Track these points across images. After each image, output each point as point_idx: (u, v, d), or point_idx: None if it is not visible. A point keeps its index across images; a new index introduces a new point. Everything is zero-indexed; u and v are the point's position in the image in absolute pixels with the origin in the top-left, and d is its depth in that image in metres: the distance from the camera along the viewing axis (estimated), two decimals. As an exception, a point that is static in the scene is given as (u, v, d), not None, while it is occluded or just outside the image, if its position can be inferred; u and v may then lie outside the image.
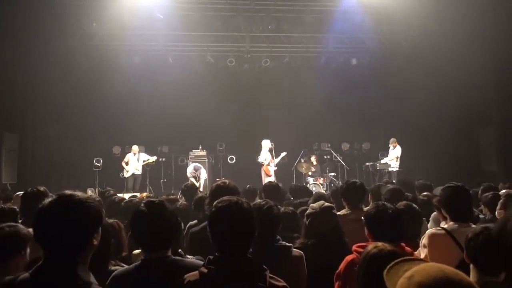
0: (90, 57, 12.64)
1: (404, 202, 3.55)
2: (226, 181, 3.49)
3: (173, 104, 13.65)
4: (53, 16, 11.57)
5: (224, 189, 3.29)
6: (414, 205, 3.47)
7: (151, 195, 6.27)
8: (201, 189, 11.21)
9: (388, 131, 13.77)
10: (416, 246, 3.17)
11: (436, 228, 3.21)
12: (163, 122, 13.72)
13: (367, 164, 13.56)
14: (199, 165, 12.02)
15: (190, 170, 11.81)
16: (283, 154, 12.20)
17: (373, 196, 4.82)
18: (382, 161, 13.11)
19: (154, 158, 12.48)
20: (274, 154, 12.17)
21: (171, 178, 13.91)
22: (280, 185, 9.78)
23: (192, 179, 11.50)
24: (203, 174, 11.85)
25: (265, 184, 5.70)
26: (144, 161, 12.34)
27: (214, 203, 2.18)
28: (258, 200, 3.04)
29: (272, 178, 11.94)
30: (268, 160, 12.20)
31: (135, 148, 12.47)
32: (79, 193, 1.87)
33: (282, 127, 13.64)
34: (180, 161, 13.72)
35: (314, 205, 3.28)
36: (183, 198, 5.66)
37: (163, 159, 13.82)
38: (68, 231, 1.75)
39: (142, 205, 2.31)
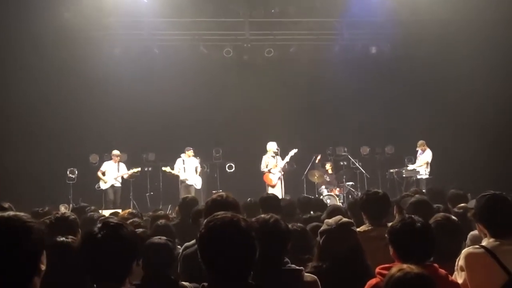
0: (61, 49, 12.58)
1: (442, 214, 3.56)
2: (223, 194, 3.51)
3: (160, 104, 13.72)
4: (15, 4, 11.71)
5: (222, 203, 3.31)
6: (453, 217, 3.49)
7: (134, 211, 6.07)
8: (198, 186, 12.15)
9: (416, 132, 13.86)
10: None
11: (473, 246, 3.18)
12: (148, 125, 13.86)
13: (391, 171, 13.65)
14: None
15: (180, 164, 12.25)
16: (292, 152, 12.07)
17: (399, 209, 4.85)
18: (409, 168, 13.27)
19: (136, 170, 12.68)
20: (279, 158, 12.21)
21: (159, 191, 13.98)
22: (288, 197, 10.10)
23: (184, 174, 12.02)
24: (198, 181, 12.39)
25: (261, 196, 5.76)
26: (123, 175, 12.55)
27: (205, 222, 2.20)
28: (262, 215, 3.04)
29: (278, 189, 11.95)
30: (270, 166, 12.22)
31: (115, 153, 12.56)
32: (21, 214, 1.89)
33: (289, 129, 13.83)
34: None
35: (330, 220, 3.30)
36: (178, 214, 5.75)
37: (149, 169, 13.87)
38: (8, 258, 1.79)
39: (97, 226, 2.32)
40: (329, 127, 14.81)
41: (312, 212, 5.58)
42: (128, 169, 12.77)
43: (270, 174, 12.24)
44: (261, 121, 14.32)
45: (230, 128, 14.41)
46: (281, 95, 14.27)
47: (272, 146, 12.24)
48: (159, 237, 3.46)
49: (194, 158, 12.83)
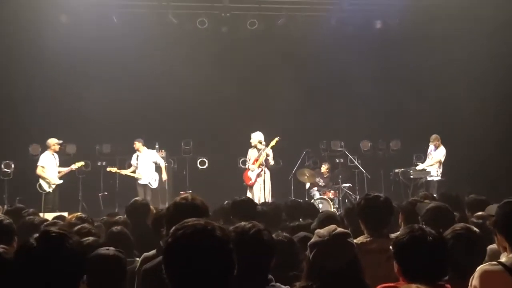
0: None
1: (461, 224, 3.58)
2: (188, 196, 3.47)
3: (118, 85, 13.70)
4: None
5: (187, 208, 3.29)
6: (474, 228, 3.51)
7: (84, 215, 6.04)
8: (153, 185, 12.48)
9: (426, 125, 13.89)
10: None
11: (490, 263, 3.18)
12: (103, 110, 13.69)
13: (396, 171, 13.66)
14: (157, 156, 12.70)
15: (134, 160, 12.57)
16: (273, 141, 12.23)
17: (405, 217, 4.86)
18: (418, 167, 13.33)
19: (79, 165, 12.67)
20: (264, 151, 12.25)
21: (114, 190, 13.77)
22: (270, 200, 10.75)
23: (140, 173, 12.30)
24: (153, 179, 12.65)
25: (233, 200, 5.80)
26: (65, 171, 12.46)
27: (172, 230, 2.18)
28: (242, 223, 3.04)
29: (258, 191, 12.11)
30: (251, 161, 12.33)
31: (52, 141, 12.31)
32: None
33: (275, 117, 13.82)
34: (127, 165, 13.55)
35: (321, 230, 3.32)
36: (129, 221, 5.80)
37: (103, 163, 13.74)
38: None
39: (35, 236, 2.31)
40: (323, 116, 14.71)
41: (301, 220, 5.62)
42: (70, 163, 12.73)
43: (249, 171, 12.35)
44: (242, 107, 14.37)
45: (203, 115, 14.38)
46: (266, 77, 14.27)
47: (256, 138, 12.30)
48: (106, 248, 3.44)
49: (151, 151, 13.00)
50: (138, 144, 12.77)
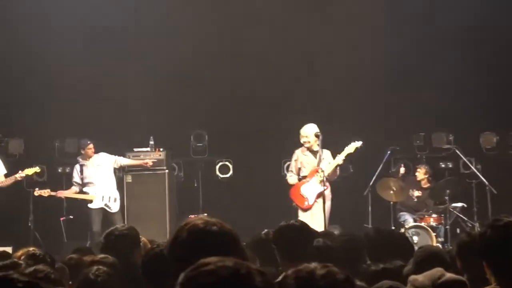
0: None
1: None
2: (208, 219, 2.79)
3: (90, 57, 12.46)
4: None
5: (206, 238, 2.70)
6: None
7: (37, 251, 4.92)
8: (113, 208, 11.29)
9: None
10: None
11: None
12: (68, 94, 12.58)
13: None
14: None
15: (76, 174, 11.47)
16: (352, 146, 10.68)
17: None
18: None
19: (33, 170, 11.22)
20: (323, 155, 10.59)
21: (81, 213, 11.87)
22: (336, 230, 9.57)
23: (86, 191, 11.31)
24: (107, 197, 11.28)
25: (279, 226, 5.16)
26: (7, 180, 11.09)
27: (181, 279, 1.79)
28: (303, 265, 2.29)
29: (317, 215, 10.61)
30: (305, 170, 10.70)
31: None
32: None
33: (336, 100, 12.69)
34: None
35: (420, 278, 3.42)
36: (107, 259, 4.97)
37: (67, 169, 12.11)
38: None
39: None
40: (418, 97, 12.75)
41: (387, 261, 4.80)
42: (18, 169, 11.04)
43: (303, 186, 10.58)
44: (283, 85, 12.81)
45: (223, 97, 12.78)
46: (318, 40, 12.86)
47: (309, 132, 10.60)
48: None
49: (102, 155, 11.54)
50: (87, 150, 11.30)
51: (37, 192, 11.24)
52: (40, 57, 12.53)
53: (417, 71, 13.20)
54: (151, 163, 11.34)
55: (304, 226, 5.41)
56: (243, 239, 6.04)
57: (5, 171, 11.02)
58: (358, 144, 10.62)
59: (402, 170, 12.12)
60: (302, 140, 10.68)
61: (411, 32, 13.05)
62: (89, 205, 11.25)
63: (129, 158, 11.72)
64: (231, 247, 2.68)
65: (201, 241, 2.66)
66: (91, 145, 11.28)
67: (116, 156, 11.61)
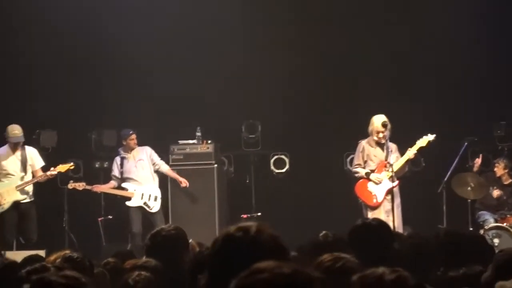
0: None
1: None
2: (249, 225, 2.58)
3: (120, 44, 12.05)
4: None
5: (246, 247, 2.50)
6: None
7: (74, 254, 4.81)
8: (153, 208, 11.06)
9: None
10: None
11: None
12: (98, 79, 12.37)
13: None
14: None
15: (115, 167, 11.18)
16: (424, 140, 10.54)
17: None
18: None
19: (67, 166, 10.78)
20: (390, 147, 10.48)
21: (121, 212, 11.52)
22: (407, 231, 9.74)
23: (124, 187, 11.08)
24: (147, 196, 11.01)
25: (353, 226, 5.03)
26: (37, 178, 10.65)
27: (237, 282, 1.75)
28: (371, 270, 2.48)
29: (385, 214, 10.33)
30: (372, 164, 10.57)
31: (13, 131, 10.36)
32: None
33: (407, 88, 12.20)
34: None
35: (509, 284, 3.44)
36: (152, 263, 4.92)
37: (105, 164, 11.72)
38: None
39: None
40: (502, 76, 12.18)
41: (464, 266, 4.81)
42: (51, 164, 10.58)
43: (371, 182, 10.40)
44: (345, 73, 12.42)
45: (278, 83, 12.23)
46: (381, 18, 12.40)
47: (378, 122, 10.42)
48: None
49: (145, 149, 11.22)
50: (129, 140, 10.98)
51: (71, 185, 10.84)
52: (72, 46, 12.26)
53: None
54: (184, 185, 10.93)
55: (382, 226, 5.16)
56: (301, 242, 5.31)
57: (42, 163, 10.54)
58: (431, 137, 10.40)
59: (478, 162, 11.58)
60: (375, 131, 10.30)
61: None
62: (127, 203, 10.91)
63: (173, 151, 11.25)
64: (272, 254, 2.41)
65: (236, 248, 2.47)
66: (133, 136, 10.92)
67: (159, 160, 11.16)
